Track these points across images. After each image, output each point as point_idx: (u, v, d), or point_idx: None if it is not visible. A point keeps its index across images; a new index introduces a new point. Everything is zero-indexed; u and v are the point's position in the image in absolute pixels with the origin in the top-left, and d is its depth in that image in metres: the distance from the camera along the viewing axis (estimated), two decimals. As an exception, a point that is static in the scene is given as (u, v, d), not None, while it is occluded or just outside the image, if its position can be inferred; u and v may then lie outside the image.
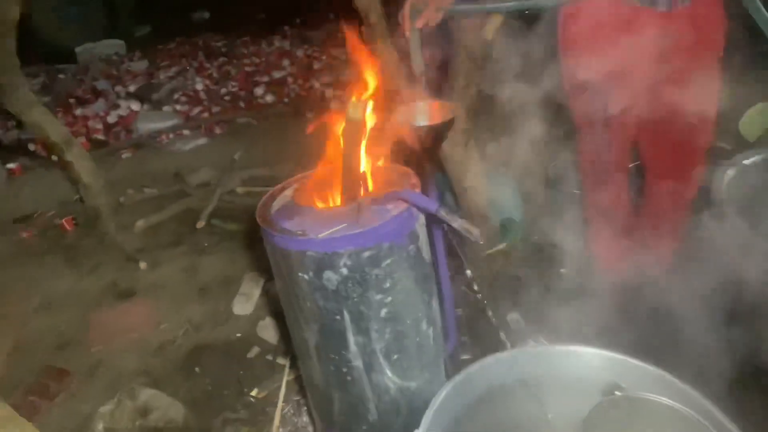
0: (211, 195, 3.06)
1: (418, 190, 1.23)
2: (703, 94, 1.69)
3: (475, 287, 2.15)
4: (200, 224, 2.83)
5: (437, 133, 1.29)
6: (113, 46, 6.15)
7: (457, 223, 1.13)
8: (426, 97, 1.41)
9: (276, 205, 1.31)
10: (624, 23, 1.54)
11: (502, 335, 1.91)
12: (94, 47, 6.04)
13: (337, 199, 1.27)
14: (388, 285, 1.21)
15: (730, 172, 1.92)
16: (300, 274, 1.18)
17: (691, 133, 1.75)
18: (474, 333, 2.02)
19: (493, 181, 2.28)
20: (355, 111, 1.15)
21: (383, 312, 1.23)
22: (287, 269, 1.21)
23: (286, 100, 4.65)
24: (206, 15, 7.51)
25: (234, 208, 3.03)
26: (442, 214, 1.13)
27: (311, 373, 1.37)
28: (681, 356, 1.73)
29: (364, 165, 1.25)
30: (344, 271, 1.16)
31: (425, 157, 1.33)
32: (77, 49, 5.94)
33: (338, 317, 1.21)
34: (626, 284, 2.05)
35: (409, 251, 1.23)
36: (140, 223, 2.93)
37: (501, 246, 2.21)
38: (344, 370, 1.29)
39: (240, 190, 3.14)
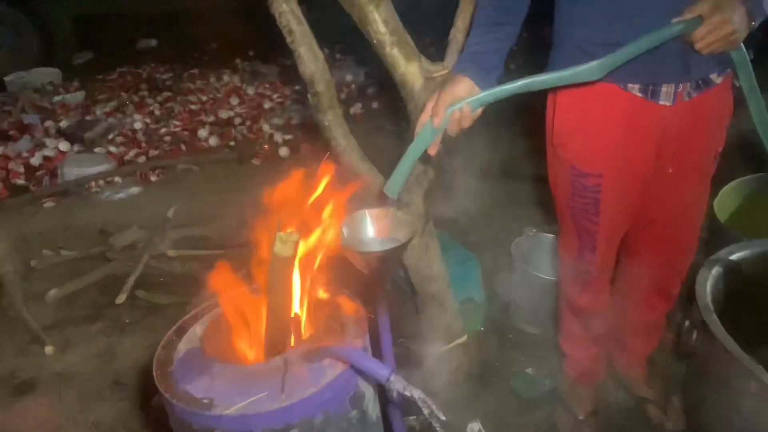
0: (138, 260, 2.71)
1: (363, 344, 0.96)
2: (696, 192, 1.51)
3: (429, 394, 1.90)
4: (120, 299, 2.47)
5: (390, 260, 1.04)
6: (48, 74, 5.70)
7: (417, 393, 0.88)
8: (376, 203, 1.16)
9: (182, 347, 1.02)
10: (621, 115, 1.34)
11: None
12: (25, 76, 5.59)
13: (259, 350, 0.99)
14: (323, 465, 0.93)
15: (717, 270, 1.74)
16: (207, 454, 0.90)
17: (681, 228, 1.57)
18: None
19: (452, 259, 2.05)
20: (284, 246, 0.89)
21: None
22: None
23: (232, 143, 4.33)
24: (153, 43, 7.12)
25: (162, 275, 2.70)
26: (396, 385, 0.87)
27: None
28: None
29: (297, 305, 0.98)
30: (264, 453, 0.89)
31: (376, 285, 1.08)
32: (6, 78, 5.49)
33: None
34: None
35: (350, 418, 0.96)
36: (53, 293, 2.56)
37: (461, 340, 1.96)
38: None
39: (171, 253, 2.80)
